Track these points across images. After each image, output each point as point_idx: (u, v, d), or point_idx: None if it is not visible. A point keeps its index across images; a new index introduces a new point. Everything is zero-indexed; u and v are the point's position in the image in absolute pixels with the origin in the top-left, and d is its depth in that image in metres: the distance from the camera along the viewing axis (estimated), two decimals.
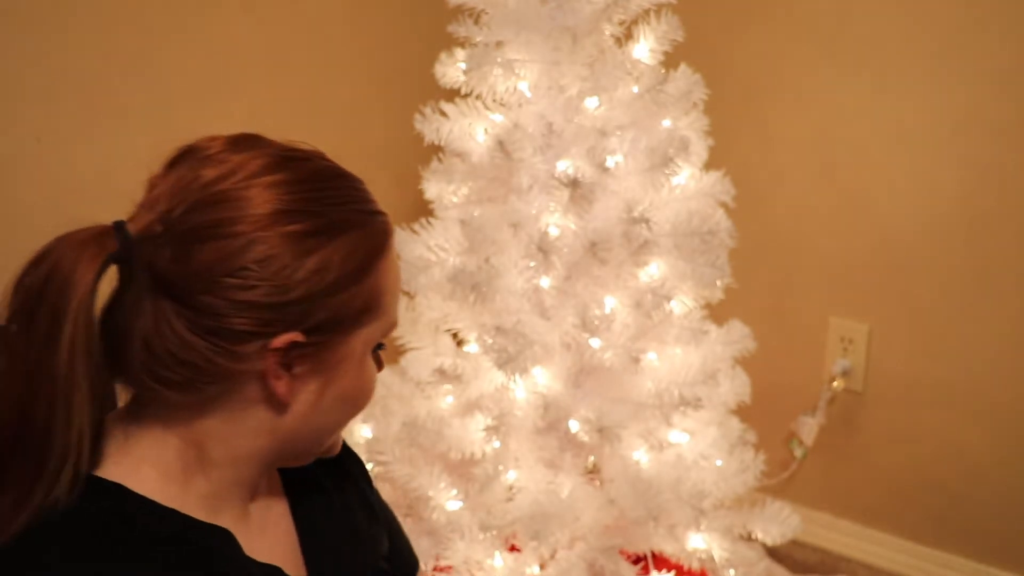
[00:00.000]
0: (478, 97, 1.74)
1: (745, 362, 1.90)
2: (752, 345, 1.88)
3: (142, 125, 1.89)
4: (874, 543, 2.38)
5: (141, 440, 0.85)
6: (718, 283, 1.76)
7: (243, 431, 0.86)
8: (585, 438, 1.73)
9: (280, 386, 0.84)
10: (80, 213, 2.00)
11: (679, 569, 1.86)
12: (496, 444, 1.74)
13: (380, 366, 0.93)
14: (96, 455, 0.83)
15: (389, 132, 2.21)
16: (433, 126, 1.76)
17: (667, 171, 1.69)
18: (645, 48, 1.74)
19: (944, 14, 2.06)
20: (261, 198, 0.82)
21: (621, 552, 1.81)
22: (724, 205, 1.79)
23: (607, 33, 1.72)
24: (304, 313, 0.82)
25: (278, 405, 0.85)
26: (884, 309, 2.27)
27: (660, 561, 1.86)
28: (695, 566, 1.86)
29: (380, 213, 0.89)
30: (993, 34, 2.03)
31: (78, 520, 0.80)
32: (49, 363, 0.78)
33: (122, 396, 0.89)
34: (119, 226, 0.84)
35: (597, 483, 1.84)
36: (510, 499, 1.78)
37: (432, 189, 1.83)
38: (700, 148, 1.80)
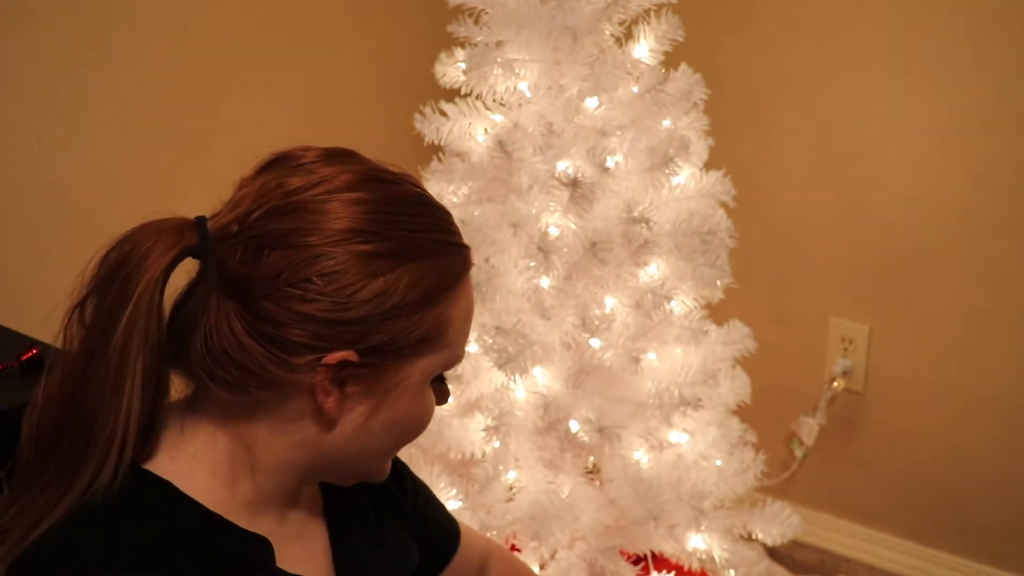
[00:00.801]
0: (478, 97, 1.74)
1: (745, 362, 1.90)
2: (752, 345, 1.88)
3: (142, 125, 1.89)
4: (874, 543, 2.38)
5: (195, 437, 0.86)
6: (718, 283, 1.76)
7: (289, 441, 0.85)
8: (585, 438, 1.73)
9: (329, 402, 0.83)
10: (80, 213, 2.02)
11: (679, 569, 1.86)
12: (496, 444, 1.74)
13: (443, 399, 0.92)
14: (151, 445, 0.85)
15: (389, 132, 2.21)
16: (433, 126, 1.76)
17: (667, 171, 1.69)
18: (645, 48, 1.74)
19: (944, 14, 2.06)
20: (338, 213, 0.81)
21: (621, 552, 1.81)
22: (724, 205, 1.79)
23: (607, 33, 1.72)
24: (361, 334, 0.81)
25: (325, 421, 0.84)
26: (884, 309, 2.27)
27: (660, 561, 1.86)
28: (695, 566, 1.85)
29: (459, 246, 0.88)
30: (993, 34, 2.03)
31: (122, 514, 0.81)
32: (106, 343, 0.80)
33: (182, 389, 0.89)
34: (200, 221, 0.84)
35: (597, 483, 1.84)
36: (510, 499, 1.78)
37: (432, 189, 1.83)
38: (700, 148, 1.79)
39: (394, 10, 2.35)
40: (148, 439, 0.84)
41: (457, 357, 0.89)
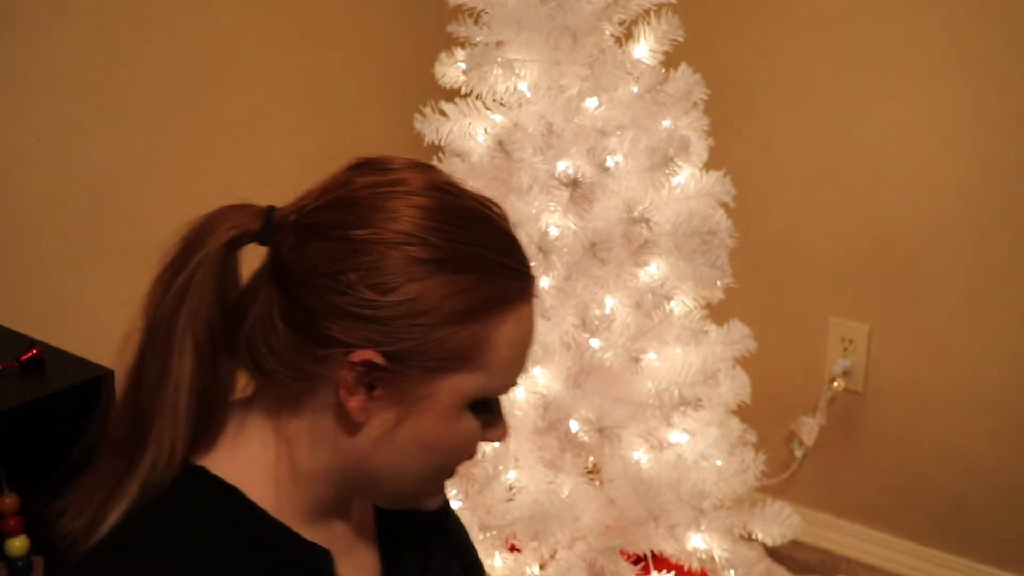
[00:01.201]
0: (478, 97, 1.74)
1: (745, 362, 1.90)
2: (752, 345, 1.88)
3: (142, 125, 1.89)
4: (874, 543, 2.38)
5: (251, 436, 0.86)
6: (718, 283, 1.76)
7: (320, 440, 0.85)
8: (585, 438, 1.73)
9: (352, 402, 0.82)
10: (80, 213, 2.01)
11: (679, 569, 1.86)
12: (496, 444, 1.74)
13: (492, 432, 0.89)
14: (212, 440, 0.85)
15: (389, 132, 2.20)
16: (433, 126, 1.76)
17: (667, 171, 1.69)
18: (645, 48, 1.74)
19: (944, 14, 2.06)
20: (390, 211, 0.81)
21: (621, 552, 1.81)
22: (724, 205, 1.79)
23: (607, 33, 1.72)
24: (389, 336, 0.80)
25: (349, 422, 0.83)
26: (884, 309, 2.27)
27: (660, 561, 1.86)
28: (695, 566, 1.86)
29: (518, 271, 0.85)
30: (994, 34, 2.02)
31: (190, 517, 0.82)
32: (157, 313, 0.82)
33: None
34: (269, 209, 0.85)
35: (597, 483, 1.84)
36: (510, 499, 1.78)
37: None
38: (700, 148, 1.79)
39: (394, 10, 2.34)
40: (211, 434, 0.85)
41: (501, 387, 0.86)
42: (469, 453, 0.88)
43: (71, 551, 0.81)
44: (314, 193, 0.84)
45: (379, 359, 0.80)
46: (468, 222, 0.83)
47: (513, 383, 0.87)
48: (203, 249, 0.82)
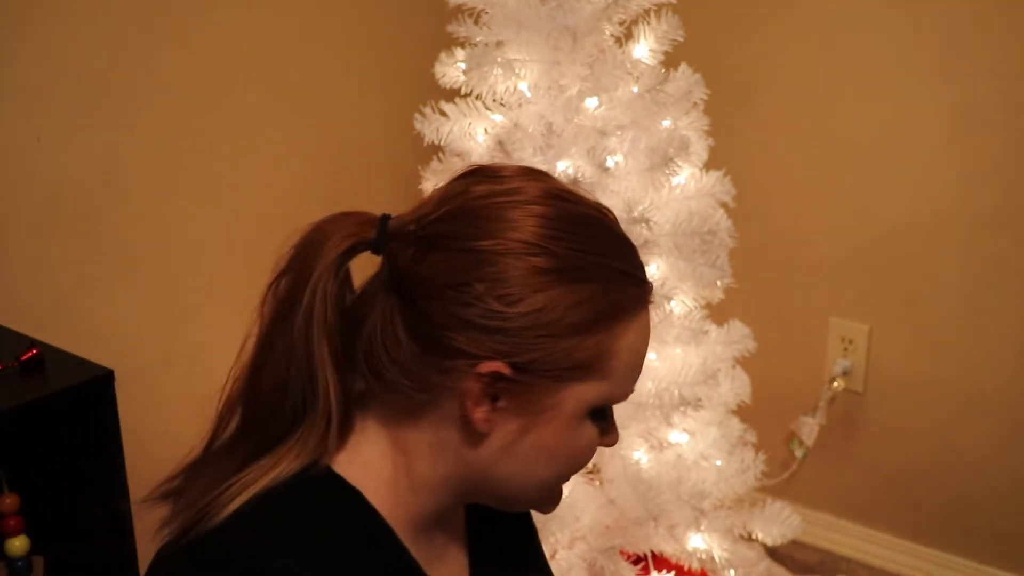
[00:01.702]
0: (478, 97, 1.74)
1: (745, 362, 1.90)
2: (752, 345, 1.88)
3: (142, 125, 1.89)
4: (874, 543, 2.38)
5: (371, 443, 0.86)
6: (718, 283, 1.76)
7: (441, 451, 0.85)
8: None
9: (478, 413, 0.82)
10: (80, 213, 2.01)
11: (679, 569, 1.86)
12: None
13: (608, 438, 0.90)
14: (337, 441, 0.85)
15: (389, 132, 2.21)
16: (433, 126, 1.76)
17: (667, 171, 1.69)
18: (645, 48, 1.74)
19: (944, 14, 2.06)
20: (513, 222, 0.81)
21: (621, 552, 1.81)
22: (724, 205, 1.79)
23: (607, 33, 1.72)
24: (516, 347, 0.80)
25: (473, 433, 0.83)
26: (884, 309, 2.27)
27: (660, 561, 1.86)
28: (695, 566, 1.86)
29: (637, 279, 0.85)
30: (993, 34, 2.03)
31: (316, 512, 0.83)
32: (288, 323, 0.83)
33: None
34: (384, 218, 0.85)
35: (597, 483, 1.84)
36: None
37: (432, 189, 1.83)
38: (700, 148, 1.79)
39: (394, 10, 2.34)
40: (336, 438, 0.86)
41: (621, 394, 0.86)
42: (588, 459, 0.89)
43: (176, 538, 0.82)
44: (431, 203, 0.85)
45: (506, 370, 0.80)
46: (586, 229, 0.83)
47: (631, 389, 0.87)
48: (323, 259, 0.82)
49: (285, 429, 0.84)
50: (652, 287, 0.87)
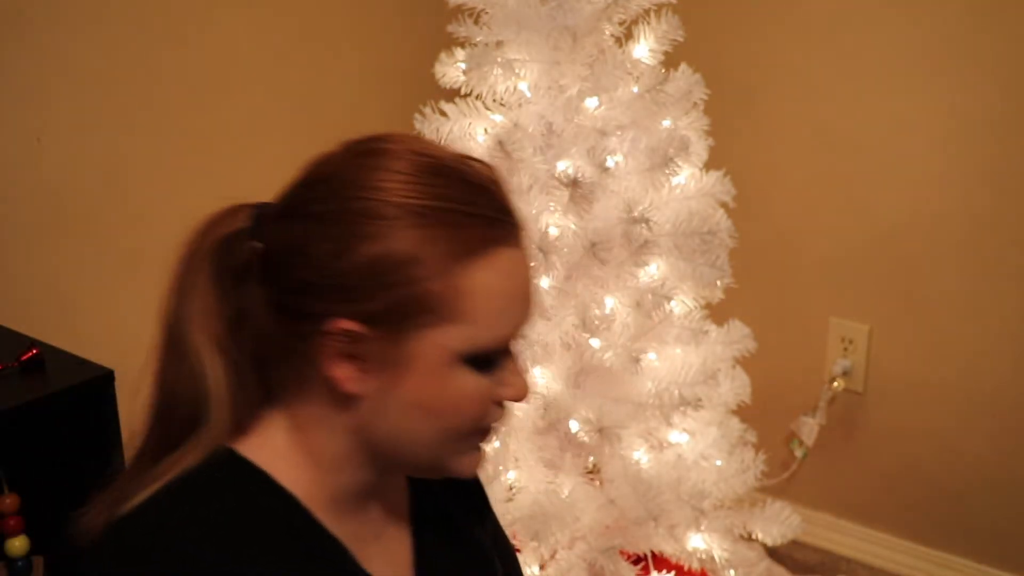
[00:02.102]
0: (478, 97, 1.74)
1: (745, 362, 1.90)
2: (752, 345, 1.88)
3: (142, 125, 1.89)
4: (874, 543, 2.38)
5: (277, 426, 0.87)
6: (718, 283, 1.76)
7: (328, 422, 0.85)
8: (585, 438, 1.73)
9: (339, 373, 0.81)
10: (80, 213, 2.01)
11: (679, 569, 1.86)
12: (496, 444, 1.74)
13: (508, 390, 0.86)
14: (243, 427, 0.86)
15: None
16: (433, 126, 1.76)
17: (667, 171, 1.69)
18: (645, 48, 1.74)
19: (944, 14, 2.06)
20: (356, 181, 0.81)
21: (621, 552, 1.81)
22: (724, 205, 1.79)
23: (607, 33, 1.72)
24: (359, 300, 0.79)
25: (345, 398, 0.83)
26: (884, 309, 2.27)
27: (660, 561, 1.86)
28: (695, 566, 1.85)
29: (493, 220, 0.83)
30: (993, 34, 2.02)
31: (221, 495, 0.84)
32: (175, 322, 0.85)
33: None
34: (259, 205, 0.87)
35: (597, 483, 1.84)
36: (510, 499, 1.78)
37: None
38: (700, 148, 1.79)
39: (394, 10, 2.34)
40: (242, 424, 0.87)
41: (490, 338, 0.82)
42: (481, 413, 0.85)
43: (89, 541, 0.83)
44: (292, 181, 0.86)
45: (354, 325, 0.79)
46: (434, 178, 0.82)
47: (507, 335, 0.84)
48: (199, 248, 0.85)
49: (191, 425, 0.85)
50: (517, 227, 0.84)
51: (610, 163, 1.70)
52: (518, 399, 0.87)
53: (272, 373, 0.86)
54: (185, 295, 0.84)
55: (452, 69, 1.77)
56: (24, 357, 1.46)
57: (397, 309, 0.80)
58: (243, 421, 0.86)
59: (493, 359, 0.84)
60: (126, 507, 0.82)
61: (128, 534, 0.81)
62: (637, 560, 1.85)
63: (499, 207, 0.84)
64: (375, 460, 0.87)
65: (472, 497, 1.05)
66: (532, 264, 0.88)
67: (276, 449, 0.86)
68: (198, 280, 0.84)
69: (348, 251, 0.79)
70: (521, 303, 0.85)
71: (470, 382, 0.83)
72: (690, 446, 1.86)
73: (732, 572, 1.88)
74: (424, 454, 0.86)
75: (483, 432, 0.88)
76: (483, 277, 0.81)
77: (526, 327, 0.87)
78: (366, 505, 0.91)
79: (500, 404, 0.87)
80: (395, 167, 0.81)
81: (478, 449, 0.89)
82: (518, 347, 0.89)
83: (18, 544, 1.54)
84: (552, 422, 1.76)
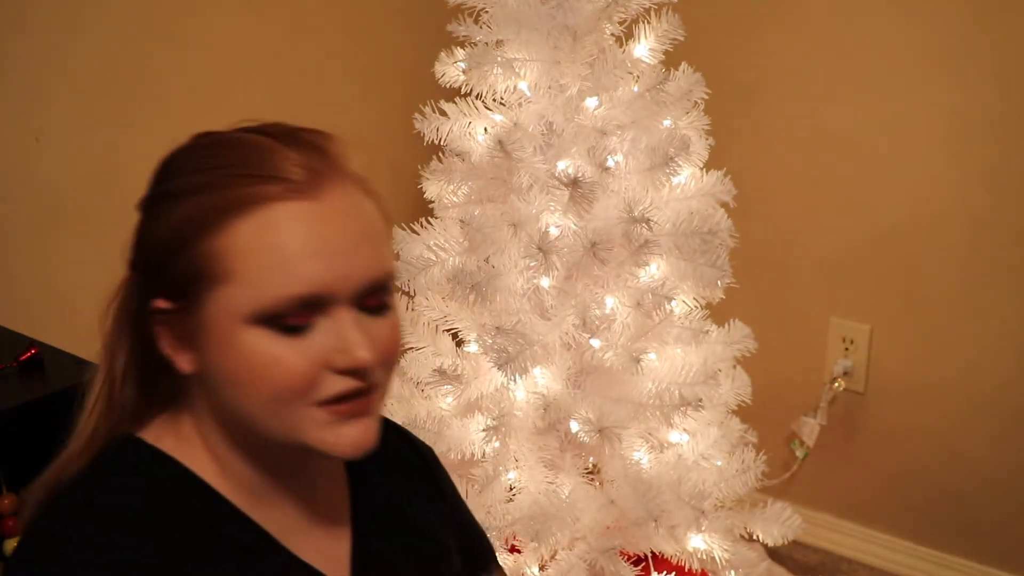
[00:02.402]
0: (478, 96, 1.74)
1: (746, 362, 1.90)
2: (753, 345, 1.88)
3: (142, 125, 1.88)
4: (875, 543, 2.38)
5: (182, 419, 0.90)
6: (718, 283, 1.76)
7: (197, 405, 0.88)
8: (585, 438, 1.73)
9: (169, 352, 0.85)
10: (80, 213, 2.01)
11: (679, 570, 1.86)
12: (496, 444, 1.74)
13: (340, 356, 0.81)
14: (149, 418, 0.90)
15: (389, 132, 2.20)
16: (433, 126, 1.76)
17: (667, 171, 1.69)
18: (645, 47, 1.74)
19: (944, 14, 2.06)
20: (159, 168, 0.88)
21: (621, 553, 1.81)
22: (724, 205, 1.79)
23: (607, 32, 1.72)
24: (160, 276, 0.84)
25: (187, 377, 0.86)
26: (885, 309, 2.26)
27: (660, 562, 1.86)
28: (696, 567, 1.85)
29: (252, 177, 0.82)
30: (993, 34, 2.02)
31: (121, 478, 0.86)
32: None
33: None
34: None
35: (597, 483, 1.84)
36: (510, 499, 1.78)
37: (432, 189, 1.83)
38: (700, 148, 1.79)
39: (394, 10, 2.34)
40: (149, 416, 0.90)
41: (273, 296, 0.79)
42: (305, 380, 0.80)
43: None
44: None
45: (162, 303, 0.84)
46: (209, 151, 0.87)
47: (298, 292, 0.80)
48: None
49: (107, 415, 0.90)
50: (285, 183, 0.82)
51: (610, 163, 1.69)
52: (349, 367, 0.81)
53: (166, 370, 0.89)
54: (115, 298, 0.90)
55: (452, 68, 1.77)
56: (24, 357, 1.45)
57: (183, 279, 0.82)
58: (150, 417, 0.90)
59: (294, 320, 0.80)
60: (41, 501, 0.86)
61: (34, 531, 0.84)
62: (637, 560, 1.84)
63: (277, 166, 0.84)
64: (248, 442, 0.86)
65: (426, 486, 1.04)
66: (350, 215, 0.84)
67: (186, 440, 0.88)
68: (124, 290, 0.90)
69: (150, 233, 0.86)
70: (309, 258, 0.80)
71: (265, 344, 0.80)
72: (690, 446, 1.86)
73: (733, 573, 1.88)
74: (273, 428, 0.83)
75: (332, 402, 0.82)
76: (246, 234, 0.80)
77: (342, 283, 0.81)
78: (295, 496, 0.90)
79: (341, 372, 0.81)
80: (182, 151, 0.87)
81: (349, 423, 0.83)
82: (357, 309, 0.83)
83: None
84: (552, 422, 1.76)
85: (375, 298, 0.84)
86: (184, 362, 0.85)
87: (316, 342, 0.81)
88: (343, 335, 0.81)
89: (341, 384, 0.81)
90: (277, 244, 0.80)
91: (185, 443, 0.88)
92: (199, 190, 0.82)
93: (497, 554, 1.76)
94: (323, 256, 0.81)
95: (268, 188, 0.81)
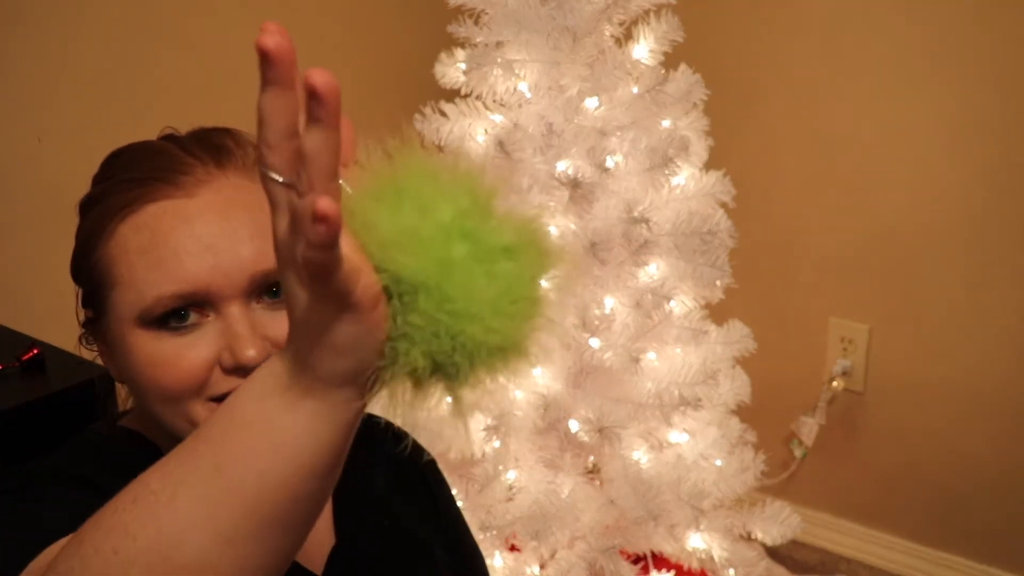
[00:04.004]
0: (478, 97, 1.74)
1: (745, 362, 1.90)
2: (752, 345, 1.88)
3: (142, 125, 1.88)
4: (874, 543, 2.38)
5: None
6: (718, 283, 1.76)
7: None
8: (585, 438, 1.73)
9: (102, 358, 0.90)
10: None
11: (679, 569, 1.86)
12: (496, 444, 1.74)
13: (231, 353, 0.79)
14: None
15: (389, 132, 2.20)
16: (433, 126, 1.76)
17: (667, 171, 1.69)
18: (645, 48, 1.74)
19: (944, 14, 2.06)
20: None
21: (621, 552, 1.81)
22: (724, 205, 1.79)
23: (607, 33, 1.72)
24: (82, 286, 0.88)
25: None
26: (884, 309, 2.27)
27: (660, 561, 1.86)
28: (695, 566, 1.85)
29: (131, 180, 0.83)
30: (993, 34, 2.03)
31: (98, 448, 0.92)
32: None
33: None
34: None
35: (597, 483, 1.84)
36: (510, 499, 1.78)
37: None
38: (700, 148, 1.79)
39: (394, 10, 2.35)
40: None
41: (154, 296, 0.79)
42: (194, 378, 0.80)
43: None
44: None
45: (86, 312, 0.89)
46: (111, 162, 0.90)
47: (169, 291, 0.79)
48: None
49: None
50: (171, 184, 0.82)
51: (610, 163, 1.70)
52: (233, 366, 0.80)
53: None
54: None
55: (452, 69, 1.77)
56: (24, 357, 1.46)
57: (91, 287, 0.86)
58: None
59: (180, 319, 0.80)
60: None
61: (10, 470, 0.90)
62: (637, 560, 1.85)
63: (161, 168, 0.84)
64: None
65: (420, 491, 1.04)
66: (231, 210, 0.82)
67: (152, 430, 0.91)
68: None
69: (76, 247, 0.88)
70: (185, 256, 0.79)
71: (154, 346, 0.80)
72: (690, 446, 1.86)
73: (732, 572, 1.88)
74: (177, 427, 0.82)
75: (223, 399, 0.78)
76: (123, 236, 0.83)
77: (222, 279, 0.79)
78: None
79: (228, 371, 0.81)
80: (98, 169, 0.91)
81: (200, 411, 0.83)
82: (252, 306, 0.81)
83: None
84: (552, 422, 1.76)
85: (270, 291, 0.82)
86: (111, 368, 0.88)
87: (206, 341, 0.80)
88: (230, 332, 0.80)
89: (228, 383, 0.81)
90: (152, 244, 0.80)
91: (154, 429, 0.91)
92: (97, 200, 0.86)
93: (497, 554, 1.77)
94: (198, 253, 0.79)
95: (146, 190, 0.82)
